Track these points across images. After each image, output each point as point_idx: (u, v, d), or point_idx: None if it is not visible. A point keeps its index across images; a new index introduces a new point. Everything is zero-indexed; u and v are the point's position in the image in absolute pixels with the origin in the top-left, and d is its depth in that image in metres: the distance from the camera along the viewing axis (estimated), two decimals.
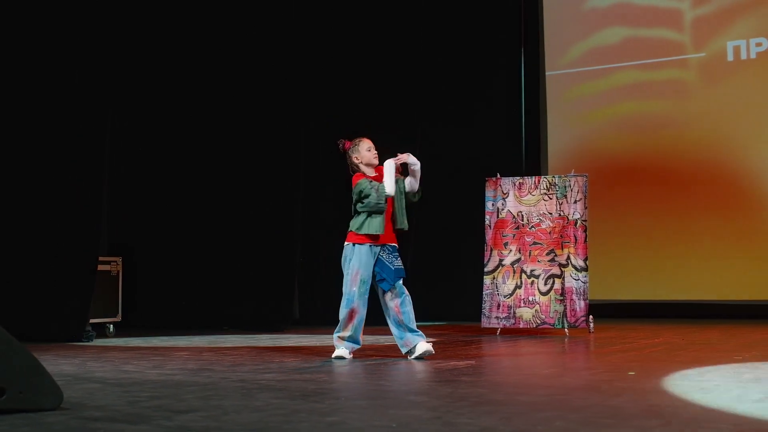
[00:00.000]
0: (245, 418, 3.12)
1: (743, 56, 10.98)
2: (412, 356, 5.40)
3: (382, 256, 5.47)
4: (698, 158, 11.00)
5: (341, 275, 8.55)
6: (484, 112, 11.04)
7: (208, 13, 9.21)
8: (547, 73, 11.91)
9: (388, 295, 5.49)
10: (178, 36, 9.12)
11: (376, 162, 5.57)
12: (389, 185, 5.42)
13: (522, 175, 8.58)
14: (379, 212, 5.43)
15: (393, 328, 5.50)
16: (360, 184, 5.47)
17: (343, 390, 3.95)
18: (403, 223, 5.55)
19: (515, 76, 11.40)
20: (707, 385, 3.91)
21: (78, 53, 7.04)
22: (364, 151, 5.55)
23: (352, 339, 5.50)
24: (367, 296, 5.48)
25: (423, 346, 5.41)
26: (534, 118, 11.73)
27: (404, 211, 5.57)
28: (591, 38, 11.83)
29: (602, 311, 10.36)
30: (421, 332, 5.51)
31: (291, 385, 4.06)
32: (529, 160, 11.54)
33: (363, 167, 5.56)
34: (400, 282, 5.50)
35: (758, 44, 10.96)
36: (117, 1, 7.51)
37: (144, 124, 9.09)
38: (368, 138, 5.64)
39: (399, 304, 5.46)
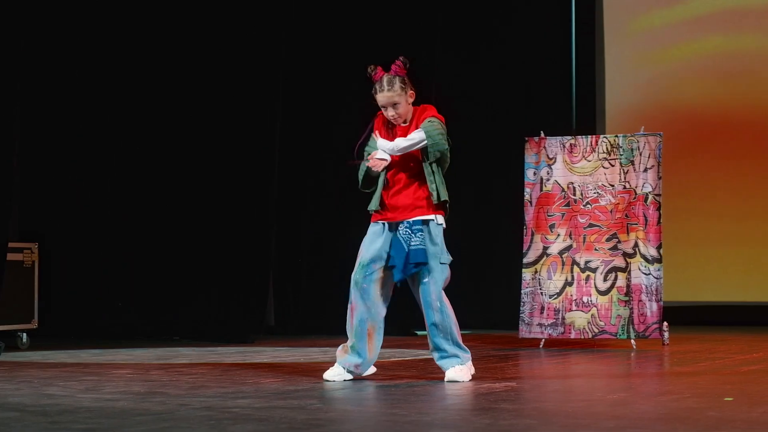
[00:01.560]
0: None
1: None
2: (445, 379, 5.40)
3: (399, 232, 5.42)
4: None
5: (327, 274, 8.61)
6: (522, 51, 11.03)
7: None
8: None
9: (414, 288, 5.44)
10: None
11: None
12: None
13: (572, 133, 8.54)
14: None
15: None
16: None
17: (345, 421, 3.95)
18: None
19: (563, 3, 11.36)
20: None
21: None
22: None
23: (355, 351, 5.47)
24: (374, 290, 5.43)
25: (451, 372, 5.38)
26: (588, 59, 11.70)
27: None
28: None
29: (679, 317, 10.36)
30: (456, 351, 5.43)
31: (274, 415, 4.06)
32: (581, 115, 11.53)
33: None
34: (434, 271, 5.37)
35: None
36: None
37: (92, 97, 9.35)
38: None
39: (422, 304, 5.42)
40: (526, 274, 8.20)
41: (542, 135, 8.35)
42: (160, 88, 9.34)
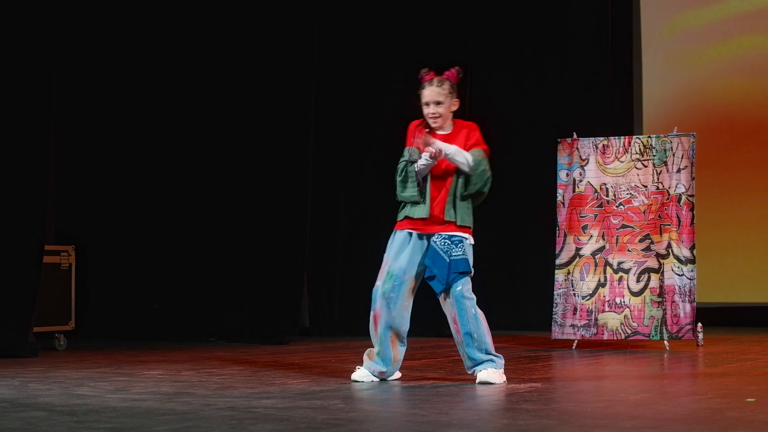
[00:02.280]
0: None
1: None
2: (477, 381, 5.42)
3: (435, 242, 5.43)
4: None
5: (360, 276, 8.70)
6: (557, 51, 11.03)
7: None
8: None
9: (444, 301, 5.46)
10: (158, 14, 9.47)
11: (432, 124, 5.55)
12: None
13: (607, 135, 8.53)
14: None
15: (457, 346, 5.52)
16: None
17: (365, 421, 4.00)
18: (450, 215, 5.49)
19: (600, 4, 11.33)
20: None
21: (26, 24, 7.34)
22: None
23: (380, 357, 5.52)
24: (402, 299, 5.46)
25: (484, 374, 5.38)
26: (624, 59, 11.67)
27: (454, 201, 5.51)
28: None
29: (714, 318, 10.33)
30: (491, 357, 5.44)
31: (295, 415, 4.12)
32: (617, 116, 11.48)
33: None
34: (464, 282, 5.41)
35: None
36: None
37: (128, 104, 9.46)
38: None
39: (456, 314, 5.42)
40: (559, 275, 8.21)
41: (575, 136, 8.35)
42: (197, 91, 9.41)
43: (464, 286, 5.40)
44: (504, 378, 5.42)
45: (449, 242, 5.39)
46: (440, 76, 5.50)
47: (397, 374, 5.65)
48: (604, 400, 4.70)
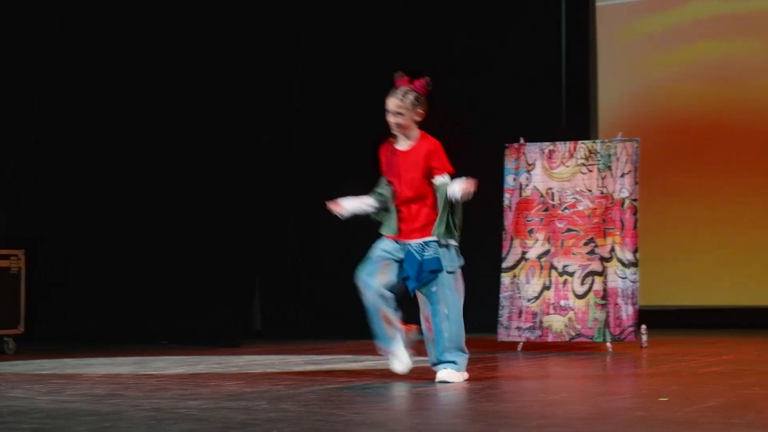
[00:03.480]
0: None
1: None
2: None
3: (411, 245, 5.59)
4: None
5: (316, 278, 8.86)
6: (512, 55, 11.14)
7: None
8: (597, 4, 11.98)
9: (420, 300, 5.63)
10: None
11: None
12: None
13: (564, 140, 8.61)
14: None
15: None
16: None
17: (280, 421, 4.10)
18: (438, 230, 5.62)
19: (554, 8, 11.46)
20: (738, 421, 4.04)
21: None
22: None
23: (379, 337, 5.63)
24: (375, 277, 5.58)
25: (443, 373, 5.55)
26: (580, 65, 11.81)
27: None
28: None
29: (662, 320, 10.49)
30: (456, 357, 5.60)
31: (215, 415, 4.22)
32: (572, 122, 11.62)
33: None
34: (438, 282, 5.56)
35: None
36: None
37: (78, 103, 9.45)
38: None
39: (429, 314, 5.59)
40: (505, 279, 8.33)
41: (522, 141, 8.47)
42: (156, 93, 9.44)
43: (439, 286, 5.54)
44: (464, 377, 5.59)
45: (423, 245, 5.56)
46: (410, 85, 5.60)
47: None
48: (523, 400, 4.82)
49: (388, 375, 5.95)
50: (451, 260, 5.66)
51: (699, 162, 11.43)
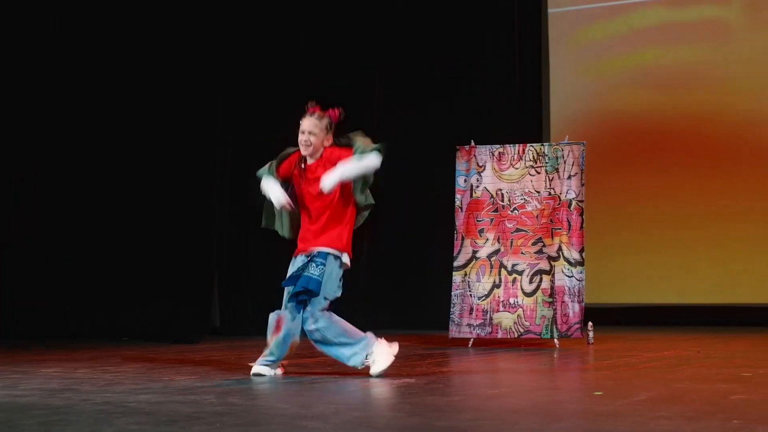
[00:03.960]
0: None
1: None
2: None
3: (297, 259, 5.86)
4: (739, 123, 11.21)
5: (270, 277, 8.90)
6: (464, 60, 11.21)
7: None
8: (549, 11, 12.09)
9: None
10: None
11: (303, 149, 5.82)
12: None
13: (517, 143, 8.67)
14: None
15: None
16: None
17: (226, 414, 4.13)
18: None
19: (507, 15, 11.54)
20: (663, 413, 4.12)
21: None
22: None
23: (271, 354, 5.81)
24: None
25: (373, 368, 5.67)
26: (532, 70, 11.89)
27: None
28: None
29: (610, 317, 10.61)
30: (356, 348, 5.70)
31: (163, 408, 4.25)
32: (528, 124, 11.69)
33: None
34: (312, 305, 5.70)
35: None
36: None
37: (27, 107, 9.41)
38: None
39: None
40: (456, 277, 8.39)
41: (472, 144, 8.54)
42: (109, 97, 9.50)
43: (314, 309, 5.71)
44: (388, 357, 5.67)
45: (307, 259, 5.77)
46: (324, 111, 5.79)
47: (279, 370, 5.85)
48: (464, 394, 4.88)
49: (340, 371, 6.00)
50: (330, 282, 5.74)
51: (645, 163, 11.56)
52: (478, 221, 8.41)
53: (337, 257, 5.71)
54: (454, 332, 8.33)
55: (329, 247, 5.71)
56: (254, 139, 10.13)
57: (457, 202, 8.49)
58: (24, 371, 6.07)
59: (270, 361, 5.76)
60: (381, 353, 5.68)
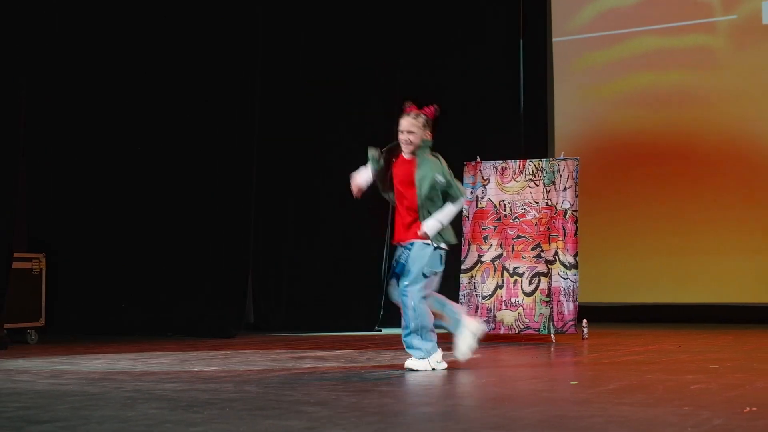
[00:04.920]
0: (103, 428, 3.38)
1: None
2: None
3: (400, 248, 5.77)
4: (724, 140, 11.15)
5: (303, 274, 8.90)
6: (476, 85, 11.23)
7: (158, 9, 9.57)
8: (553, 40, 12.10)
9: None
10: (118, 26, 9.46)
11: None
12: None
13: (523, 158, 8.70)
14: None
15: None
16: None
17: (238, 400, 4.20)
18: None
19: (514, 42, 11.57)
20: (626, 400, 4.14)
21: None
22: None
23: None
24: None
25: (409, 361, 5.63)
26: (538, 93, 11.92)
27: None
28: None
29: (606, 316, 10.61)
30: (421, 345, 5.62)
31: (183, 396, 4.33)
32: (534, 142, 11.70)
33: None
34: (410, 278, 5.58)
35: None
36: None
37: (79, 113, 9.42)
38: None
39: (401, 306, 5.70)
40: (464, 279, 8.43)
41: (478, 159, 8.58)
42: (150, 105, 9.41)
43: (411, 284, 5.56)
44: (428, 365, 5.56)
45: (402, 248, 5.68)
46: (420, 110, 5.73)
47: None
48: (450, 383, 4.92)
49: (351, 362, 6.05)
50: (428, 264, 5.63)
51: (638, 176, 11.54)
52: (483, 229, 8.45)
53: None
54: None
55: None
56: (288, 137, 10.17)
57: (464, 212, 8.52)
58: (73, 362, 6.17)
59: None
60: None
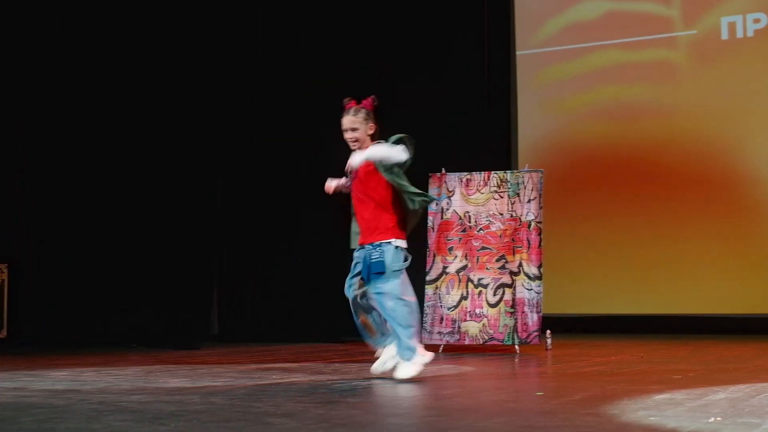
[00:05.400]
0: None
1: (739, 34, 11.27)
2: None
3: (365, 249, 5.66)
4: (685, 152, 11.29)
5: (268, 284, 8.82)
6: (441, 96, 11.27)
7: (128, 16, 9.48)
8: (517, 53, 12.18)
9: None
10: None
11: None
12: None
13: (487, 170, 8.73)
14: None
15: None
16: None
17: (204, 412, 4.17)
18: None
19: (478, 56, 11.62)
20: (589, 411, 4.16)
21: None
22: None
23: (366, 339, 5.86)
24: (353, 289, 5.72)
25: (398, 371, 5.59)
26: (502, 106, 11.98)
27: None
28: (567, 13, 12.11)
29: (570, 327, 10.65)
30: (402, 351, 5.59)
31: (149, 408, 4.28)
32: (499, 153, 11.76)
33: None
34: (380, 279, 5.54)
35: (756, 20, 11.24)
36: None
37: (46, 126, 9.29)
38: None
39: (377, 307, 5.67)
40: (429, 290, 8.43)
41: (443, 171, 8.60)
42: (111, 111, 9.35)
43: (382, 284, 5.51)
44: (415, 371, 5.52)
45: (371, 248, 5.58)
46: (358, 104, 5.70)
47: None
48: (420, 395, 4.91)
49: (317, 373, 6.03)
50: (394, 262, 5.58)
51: (600, 187, 11.64)
52: (447, 240, 8.46)
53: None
54: (426, 339, 8.34)
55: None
56: (251, 147, 10.11)
57: (429, 223, 8.54)
58: (36, 374, 6.09)
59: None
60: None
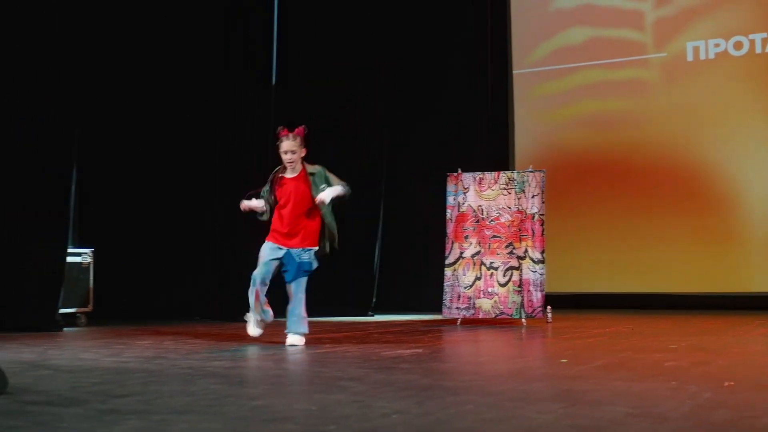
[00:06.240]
0: (176, 401, 3.23)
1: (702, 56, 11.14)
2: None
3: (292, 251, 5.70)
4: (657, 156, 11.20)
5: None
6: (453, 107, 11.17)
7: (171, 22, 9.27)
8: (514, 72, 12.05)
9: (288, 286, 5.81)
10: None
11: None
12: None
13: (485, 171, 8.64)
14: None
15: None
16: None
17: (284, 376, 4.06)
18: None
19: (482, 73, 11.49)
20: (617, 376, 4.04)
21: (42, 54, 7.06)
22: None
23: (260, 314, 5.88)
24: (268, 276, 5.76)
25: (292, 338, 5.73)
26: (502, 116, 11.86)
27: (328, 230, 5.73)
28: (556, 38, 11.97)
29: (563, 303, 10.54)
30: (300, 328, 5.72)
31: (234, 372, 4.17)
32: (496, 157, 11.63)
33: None
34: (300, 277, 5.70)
35: (716, 45, 11.11)
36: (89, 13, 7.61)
37: (112, 135, 9.08)
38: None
39: (292, 295, 5.77)
40: (448, 272, 8.32)
41: (459, 171, 8.48)
42: (155, 100, 9.05)
43: (302, 278, 5.69)
44: (303, 341, 5.72)
45: (301, 251, 5.67)
46: (293, 132, 5.72)
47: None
48: (460, 361, 4.80)
49: (362, 342, 5.89)
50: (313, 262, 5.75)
51: (588, 184, 11.55)
52: (464, 229, 8.34)
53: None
54: (445, 313, 8.26)
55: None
56: (245, 140, 9.78)
57: (448, 215, 8.42)
58: (125, 343, 5.98)
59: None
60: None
